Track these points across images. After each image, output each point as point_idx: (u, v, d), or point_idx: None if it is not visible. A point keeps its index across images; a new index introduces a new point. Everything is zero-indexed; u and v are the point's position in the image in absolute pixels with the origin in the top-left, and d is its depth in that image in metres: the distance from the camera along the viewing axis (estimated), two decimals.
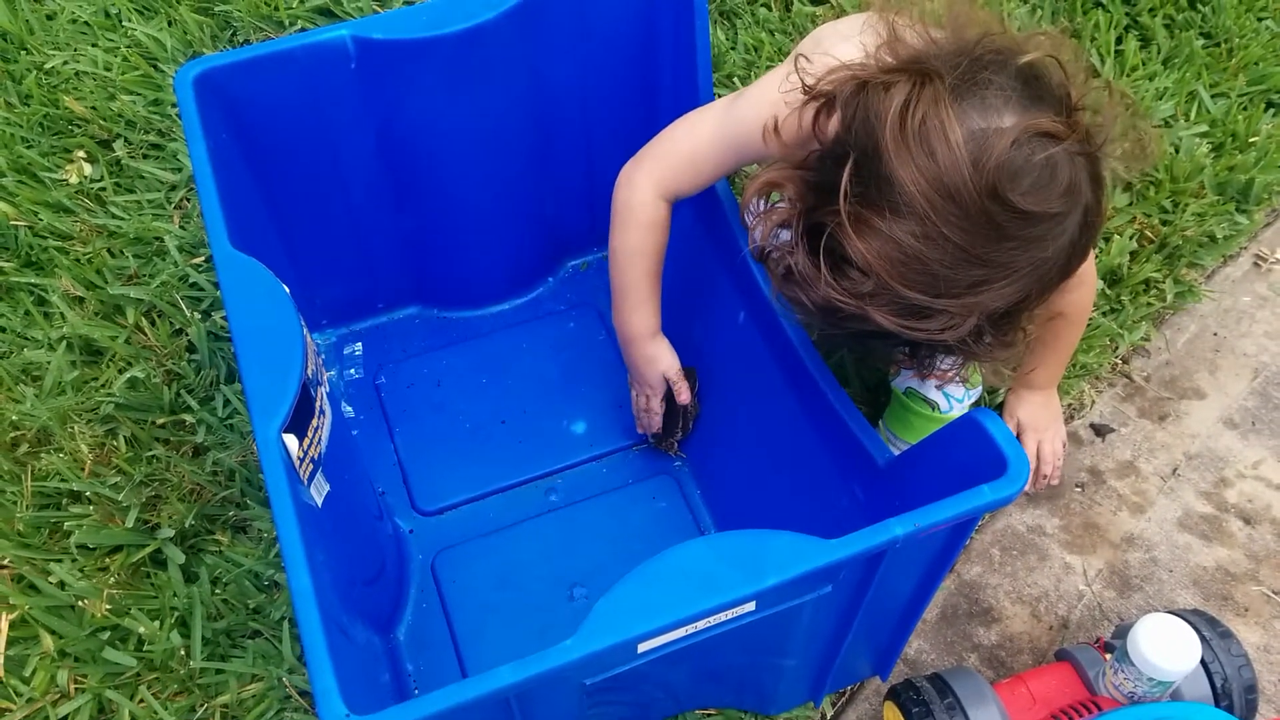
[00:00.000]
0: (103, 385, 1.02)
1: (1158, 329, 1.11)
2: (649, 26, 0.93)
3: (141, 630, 0.87)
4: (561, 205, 1.06)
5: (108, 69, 1.25)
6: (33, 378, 1.03)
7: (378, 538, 0.88)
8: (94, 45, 1.27)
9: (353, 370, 1.06)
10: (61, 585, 0.90)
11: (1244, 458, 1.03)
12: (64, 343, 1.04)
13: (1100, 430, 1.04)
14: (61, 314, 1.06)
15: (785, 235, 0.68)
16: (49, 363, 1.02)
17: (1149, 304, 1.10)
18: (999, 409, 1.01)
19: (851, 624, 0.73)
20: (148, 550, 0.92)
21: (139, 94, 1.23)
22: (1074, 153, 0.60)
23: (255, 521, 0.94)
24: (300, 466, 0.65)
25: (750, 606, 0.60)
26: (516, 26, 0.87)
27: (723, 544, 0.60)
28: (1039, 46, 0.62)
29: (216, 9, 1.29)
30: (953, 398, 0.93)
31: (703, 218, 0.95)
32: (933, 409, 0.93)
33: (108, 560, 0.92)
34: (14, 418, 0.99)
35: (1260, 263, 1.17)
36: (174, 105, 1.21)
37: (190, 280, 1.09)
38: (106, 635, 0.88)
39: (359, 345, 1.08)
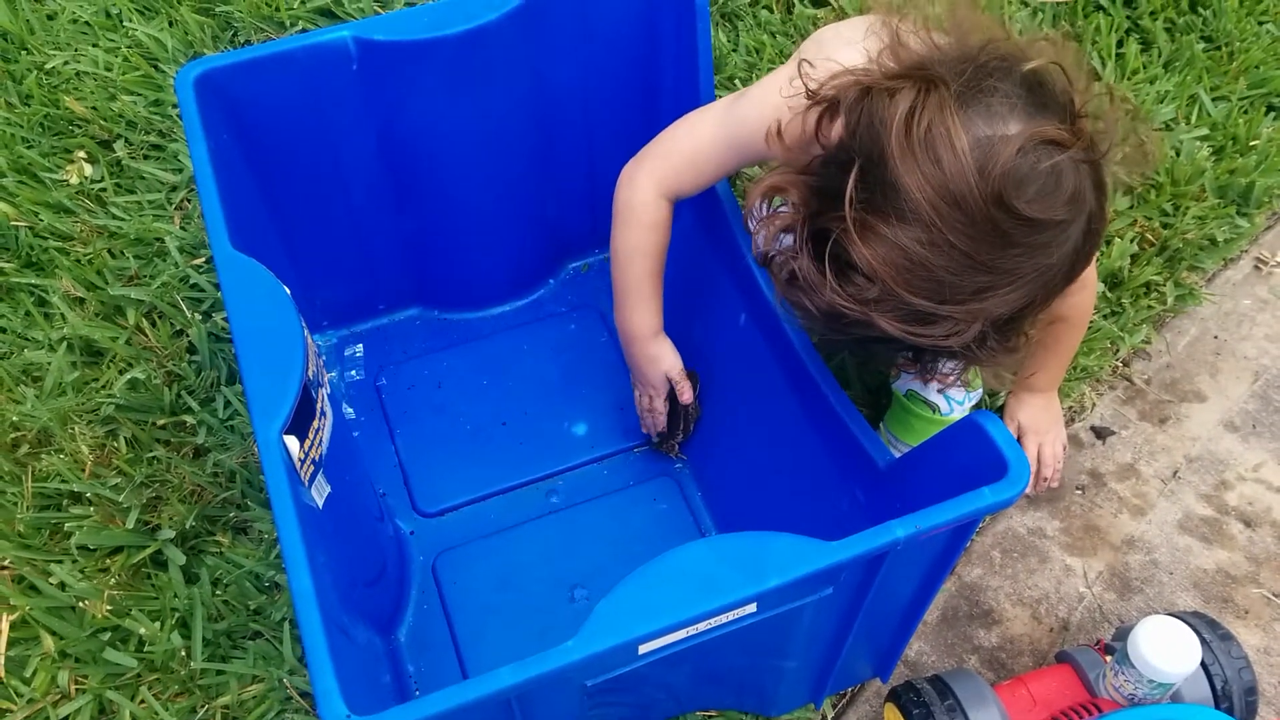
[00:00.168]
0: (103, 386, 1.02)
1: (1158, 332, 1.11)
2: (651, 28, 0.93)
3: (142, 631, 0.87)
4: (563, 207, 1.06)
5: (108, 69, 1.25)
6: (33, 378, 1.03)
7: (378, 539, 0.88)
8: (95, 45, 1.27)
9: (353, 372, 1.06)
10: (62, 586, 0.90)
11: (1244, 460, 1.03)
12: (64, 343, 1.04)
13: (1101, 433, 1.05)
14: (62, 315, 1.06)
15: (789, 240, 0.68)
16: (49, 364, 1.02)
17: (1150, 307, 1.10)
18: (999, 411, 1.01)
19: (852, 626, 0.73)
20: (148, 551, 0.92)
21: (140, 94, 1.23)
22: (1078, 160, 0.60)
23: (256, 523, 0.94)
24: (301, 468, 0.65)
25: (751, 608, 0.60)
26: (518, 28, 0.87)
27: (724, 546, 0.60)
28: (1042, 52, 0.62)
29: (217, 9, 1.29)
30: (953, 400, 0.93)
31: (703, 219, 0.95)
32: (933, 411, 0.93)
33: (108, 561, 0.92)
34: (14, 418, 0.98)
35: (1261, 266, 1.17)
36: (175, 106, 1.21)
37: (191, 281, 1.09)
38: (107, 636, 0.88)
39: (360, 347, 1.08)
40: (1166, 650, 0.75)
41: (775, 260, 0.69)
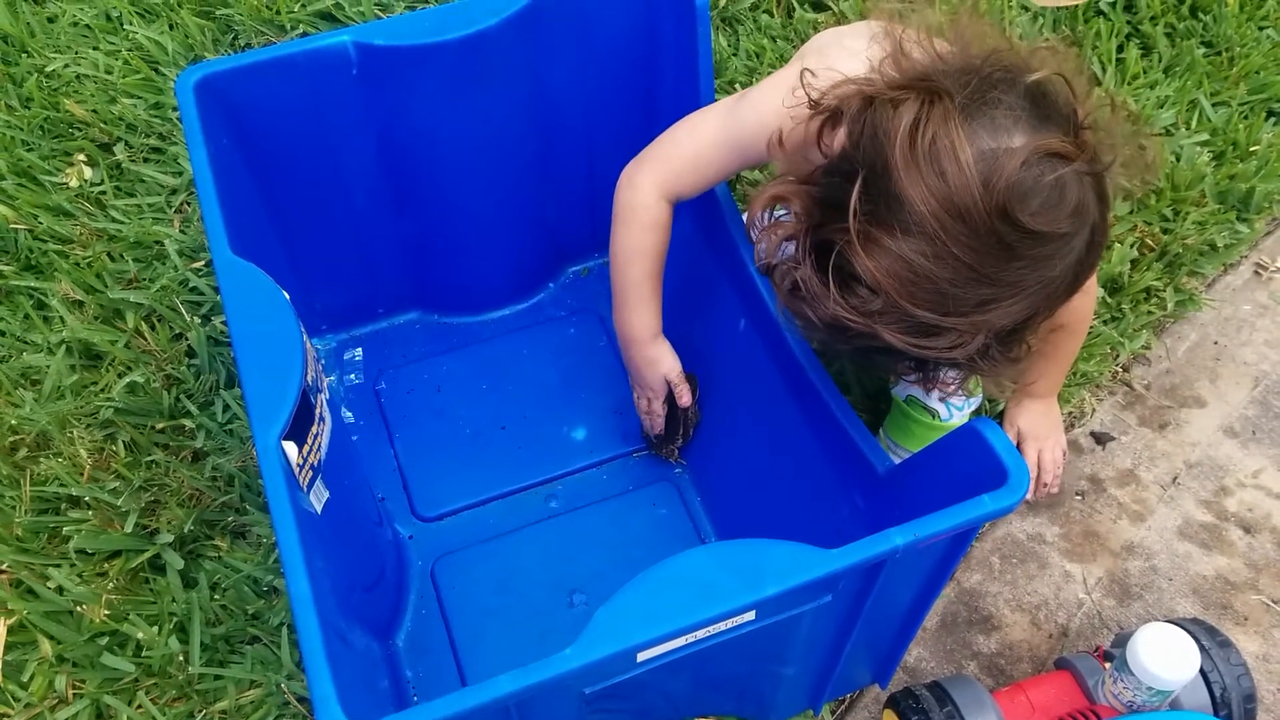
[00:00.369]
0: (102, 390, 1.01)
1: (1158, 337, 1.11)
2: (651, 32, 0.93)
3: (140, 636, 0.87)
4: (563, 211, 1.06)
5: (109, 72, 1.25)
6: (32, 382, 1.03)
7: (377, 544, 0.88)
8: (95, 48, 1.28)
9: (353, 376, 1.06)
10: (60, 590, 0.90)
11: (1244, 466, 1.03)
12: (63, 347, 1.04)
13: (1100, 438, 1.04)
14: (61, 318, 1.06)
15: (791, 249, 0.68)
16: (48, 367, 1.02)
17: (1150, 312, 1.10)
18: (999, 417, 1.01)
19: (851, 633, 0.73)
20: (146, 555, 0.92)
21: (140, 97, 1.23)
22: (1082, 173, 0.61)
23: (254, 527, 0.94)
24: (300, 474, 0.65)
25: (750, 616, 0.60)
26: (518, 32, 0.87)
27: (723, 553, 0.60)
28: (1044, 61, 0.62)
29: (218, 13, 1.29)
30: (953, 406, 0.93)
31: (703, 223, 0.95)
32: (933, 417, 0.93)
33: (106, 565, 0.92)
34: (13, 422, 0.98)
35: (1261, 271, 1.17)
36: (175, 109, 1.21)
37: (190, 285, 1.09)
38: (105, 641, 0.88)
39: (359, 350, 1.08)
40: (1165, 657, 0.75)
41: (777, 270, 0.69)
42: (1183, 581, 0.96)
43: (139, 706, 0.85)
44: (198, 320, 1.06)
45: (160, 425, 0.99)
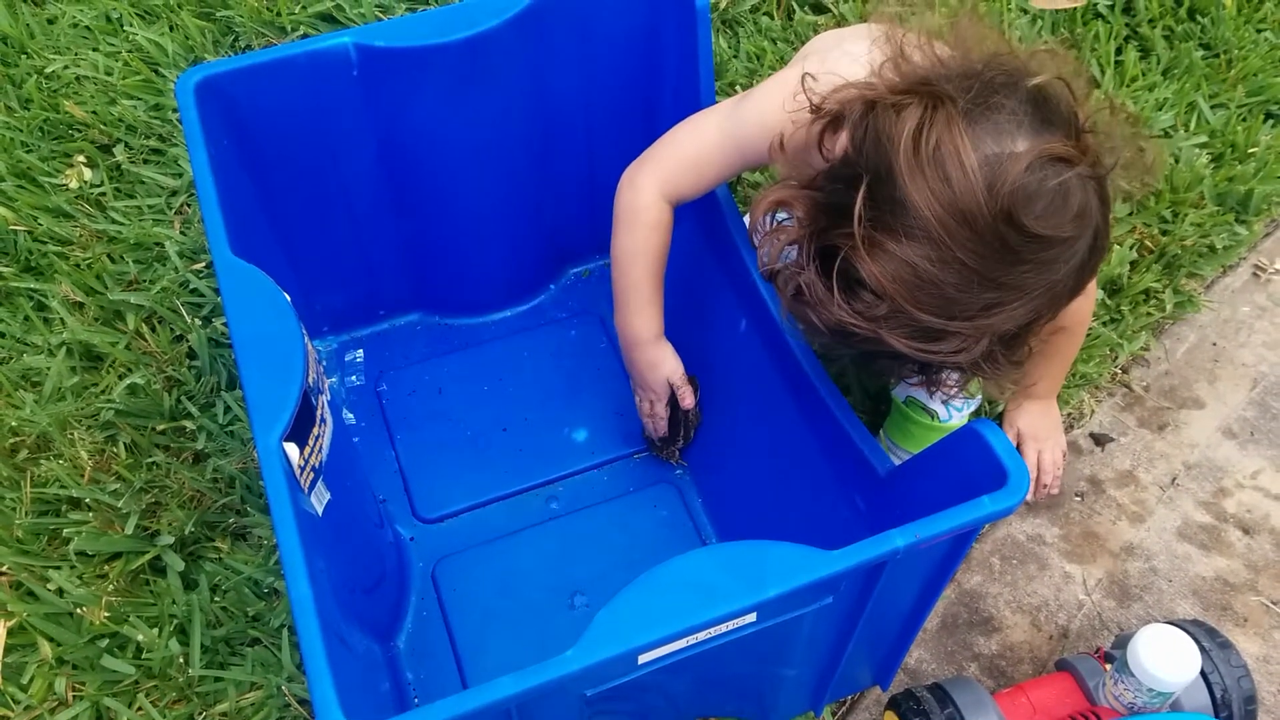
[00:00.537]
0: (102, 391, 1.01)
1: (1157, 339, 1.11)
2: (652, 35, 0.93)
3: (140, 638, 0.87)
4: (563, 212, 1.06)
5: (109, 74, 1.25)
6: (32, 383, 1.03)
7: (378, 545, 0.88)
8: (95, 50, 1.28)
9: (354, 377, 1.06)
10: (60, 592, 0.89)
11: (1243, 467, 1.03)
12: (64, 348, 1.04)
13: (1100, 440, 1.05)
14: (61, 319, 1.06)
15: (793, 254, 0.68)
16: (49, 368, 1.02)
17: (1148, 314, 1.10)
18: (999, 418, 1.01)
19: (852, 634, 0.73)
20: (147, 557, 0.92)
21: (140, 99, 1.23)
22: (1085, 176, 0.61)
23: (255, 528, 0.94)
24: (301, 475, 0.65)
25: (751, 617, 0.60)
26: (519, 34, 0.87)
27: (724, 554, 0.60)
28: (1043, 64, 0.63)
29: (218, 14, 1.29)
30: (952, 407, 0.93)
31: (704, 225, 0.95)
32: (933, 418, 0.93)
33: (107, 567, 0.92)
34: (13, 424, 0.98)
35: (1259, 273, 1.17)
36: (175, 110, 1.21)
37: (191, 286, 1.09)
38: (105, 643, 0.88)
39: (360, 352, 1.08)
40: (1166, 659, 0.75)
41: (780, 275, 0.69)
42: (1182, 583, 0.96)
43: (139, 709, 0.85)
44: (198, 322, 1.06)
45: (161, 427, 0.99)
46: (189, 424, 0.99)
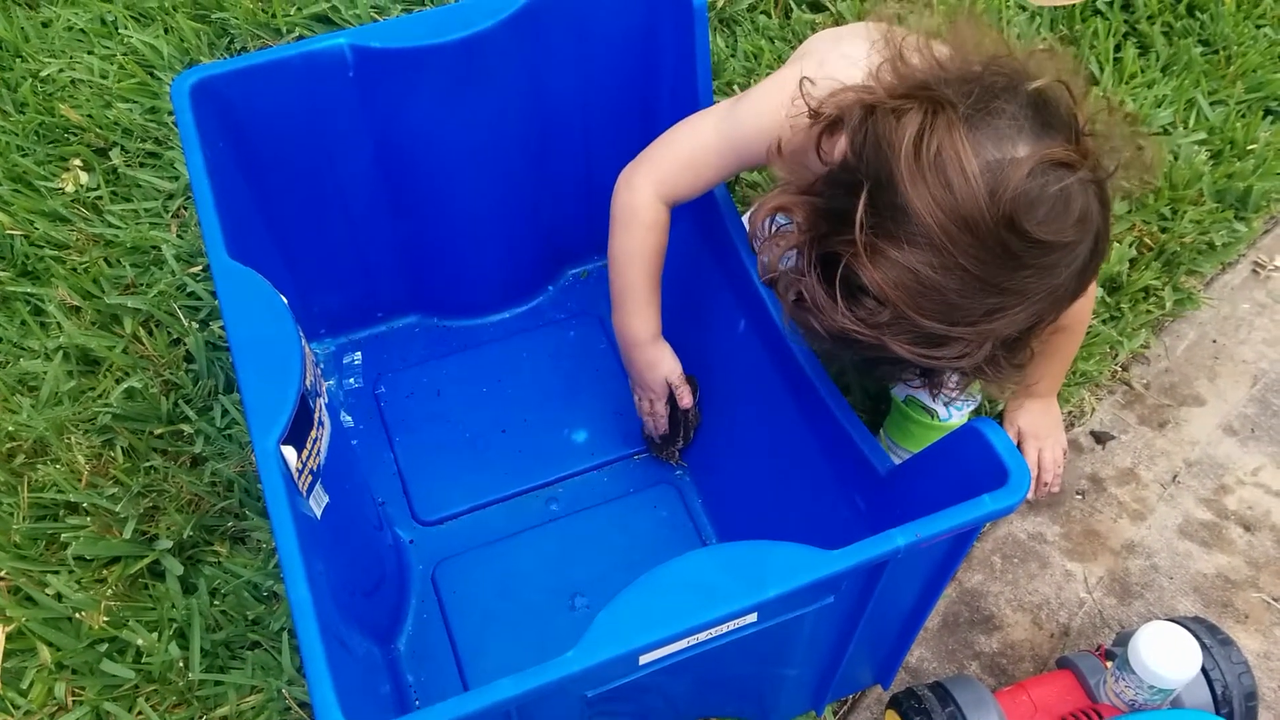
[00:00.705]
0: (100, 395, 1.01)
1: (1157, 336, 1.11)
2: (649, 34, 0.93)
3: (140, 642, 0.87)
4: (561, 213, 1.06)
5: (104, 77, 1.24)
6: (29, 388, 1.02)
7: (377, 548, 0.87)
8: (90, 53, 1.27)
9: (352, 379, 1.06)
10: (59, 597, 0.89)
11: (1243, 464, 1.03)
12: (61, 353, 1.03)
13: (1100, 437, 1.04)
14: (58, 324, 1.06)
15: (793, 259, 0.68)
16: (45, 373, 1.02)
17: (1148, 311, 1.10)
18: (999, 417, 1.01)
19: (853, 634, 0.73)
20: (146, 561, 0.91)
21: (136, 102, 1.23)
22: (1086, 181, 0.61)
23: (254, 532, 0.94)
24: (299, 478, 0.65)
25: (752, 618, 0.60)
26: (516, 34, 0.87)
27: (724, 555, 0.60)
28: (1042, 66, 0.62)
29: (214, 16, 1.29)
30: (952, 406, 0.93)
31: (702, 225, 0.94)
32: (932, 417, 0.93)
33: (105, 572, 0.91)
34: (10, 428, 0.98)
35: (1259, 270, 1.17)
36: (171, 113, 1.21)
37: (188, 289, 1.09)
38: (104, 647, 0.87)
39: (358, 354, 1.07)
40: (1167, 656, 0.75)
41: (781, 281, 0.69)
42: (1183, 580, 0.96)
43: (139, 713, 0.85)
44: (195, 325, 1.06)
45: (159, 430, 0.99)
46: (187, 427, 0.99)
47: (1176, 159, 1.18)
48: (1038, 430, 0.99)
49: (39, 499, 0.94)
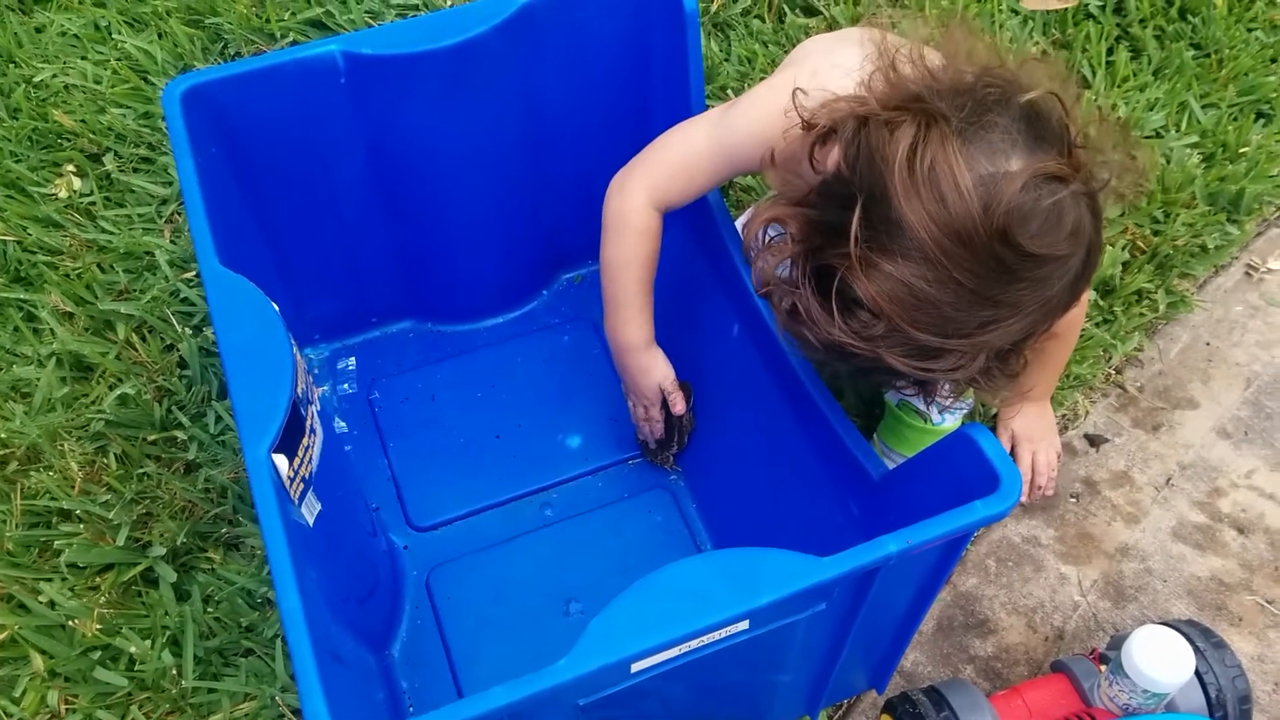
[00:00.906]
0: (93, 402, 1.01)
1: (1150, 339, 1.11)
2: (642, 39, 0.93)
3: (133, 649, 0.86)
4: (555, 218, 1.06)
5: (97, 82, 1.24)
6: (22, 394, 1.02)
7: (371, 555, 0.87)
8: (83, 58, 1.27)
9: (346, 385, 1.05)
10: (51, 605, 0.89)
11: (1237, 467, 1.03)
12: (53, 359, 1.03)
13: (1094, 441, 1.05)
14: (51, 330, 1.05)
15: (788, 269, 0.68)
16: (38, 379, 1.01)
17: (1141, 314, 1.10)
18: (994, 420, 1.01)
19: (846, 639, 0.73)
20: (139, 569, 0.91)
21: (129, 107, 1.22)
22: (1079, 193, 0.61)
23: (248, 538, 0.94)
24: (291, 486, 0.65)
25: (745, 625, 0.60)
26: (509, 40, 0.87)
27: (718, 561, 0.60)
28: (1034, 75, 0.63)
29: (207, 21, 1.29)
30: (945, 410, 0.93)
31: (695, 230, 0.94)
32: (925, 421, 0.93)
33: (98, 579, 0.91)
34: (3, 435, 0.98)
35: (1252, 272, 1.17)
36: (164, 119, 1.21)
37: (181, 295, 1.08)
38: (97, 655, 0.87)
39: (352, 360, 1.07)
40: (1160, 660, 0.75)
41: (775, 292, 0.69)
42: (1177, 583, 0.96)
43: None
44: (189, 331, 1.05)
45: (152, 437, 0.99)
46: (180, 434, 0.99)
47: (1169, 162, 1.18)
48: (1032, 433, 0.99)
49: (32, 506, 0.94)
